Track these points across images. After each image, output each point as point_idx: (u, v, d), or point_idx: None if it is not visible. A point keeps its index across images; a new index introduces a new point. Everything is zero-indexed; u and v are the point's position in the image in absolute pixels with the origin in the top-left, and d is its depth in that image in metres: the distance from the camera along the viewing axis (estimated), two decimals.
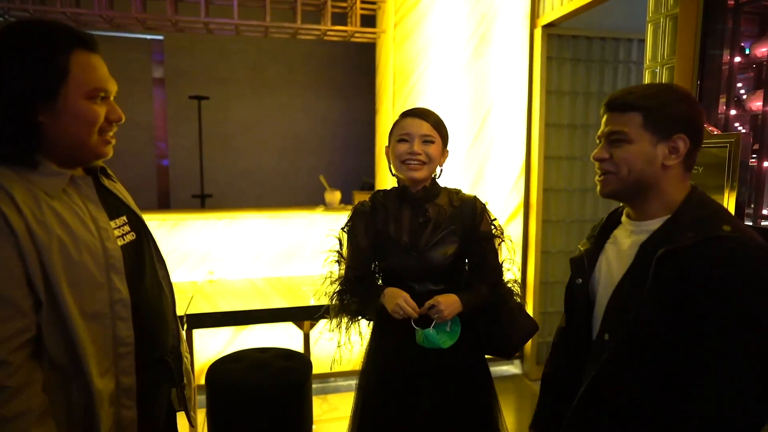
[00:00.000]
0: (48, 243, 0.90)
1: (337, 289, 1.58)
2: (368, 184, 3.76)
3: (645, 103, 1.03)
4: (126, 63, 4.24)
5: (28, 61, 0.92)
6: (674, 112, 1.02)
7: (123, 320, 1.00)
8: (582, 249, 1.20)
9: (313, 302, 2.56)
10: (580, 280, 1.16)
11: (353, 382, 3.19)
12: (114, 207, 1.07)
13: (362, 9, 3.18)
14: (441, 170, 1.55)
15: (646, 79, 2.21)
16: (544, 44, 3.08)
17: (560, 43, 3.14)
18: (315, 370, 3.11)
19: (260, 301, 2.55)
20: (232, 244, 3.06)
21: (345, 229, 1.61)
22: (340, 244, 1.63)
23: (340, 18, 3.37)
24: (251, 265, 3.09)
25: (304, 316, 2.53)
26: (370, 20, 3.38)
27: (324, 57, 4.70)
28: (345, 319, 1.57)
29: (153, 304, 1.09)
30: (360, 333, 1.60)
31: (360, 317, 1.59)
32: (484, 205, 1.56)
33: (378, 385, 1.55)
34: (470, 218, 1.51)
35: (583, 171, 3.23)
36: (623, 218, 1.13)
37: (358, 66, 4.61)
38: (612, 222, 1.18)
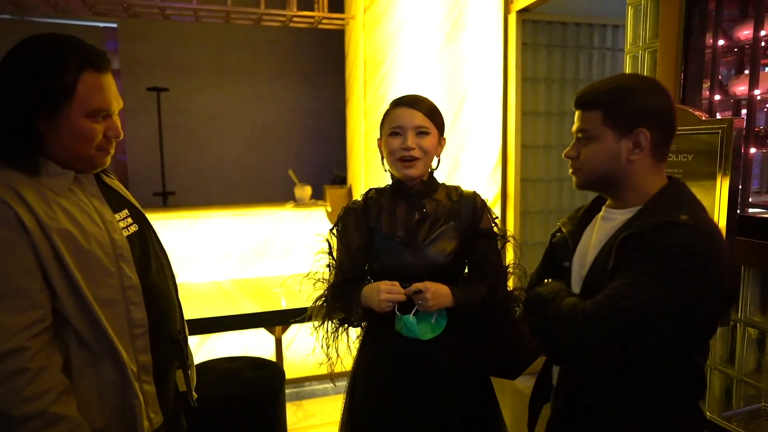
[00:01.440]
0: (59, 237, 0.97)
1: (321, 295, 1.46)
2: (340, 177, 3.62)
3: (603, 98, 1.04)
4: None
5: (37, 78, 0.98)
6: (631, 106, 1.03)
7: (135, 304, 1.08)
8: (565, 231, 1.21)
9: (284, 305, 2.42)
10: (568, 263, 1.17)
11: (329, 386, 3.08)
12: (116, 201, 1.15)
13: None
14: (438, 161, 1.44)
15: (627, 65, 2.13)
16: (518, 30, 2.98)
17: (535, 29, 3.05)
18: (289, 375, 2.98)
19: (228, 306, 2.40)
20: (197, 244, 2.88)
21: (334, 231, 1.48)
22: (330, 248, 1.49)
23: (307, 4, 3.20)
24: (218, 267, 2.92)
25: (275, 321, 2.38)
26: (338, 5, 3.22)
27: (290, 44, 4.50)
28: (331, 327, 1.46)
29: (161, 288, 1.17)
30: (348, 339, 1.49)
31: (347, 325, 1.47)
32: (484, 201, 1.46)
33: (370, 390, 1.44)
34: (470, 214, 1.42)
35: (560, 160, 3.16)
36: (603, 207, 1.15)
37: (327, 53, 4.44)
38: (596, 207, 1.19)
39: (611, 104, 1.03)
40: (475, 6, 2.97)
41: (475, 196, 1.45)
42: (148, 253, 1.17)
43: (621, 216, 1.08)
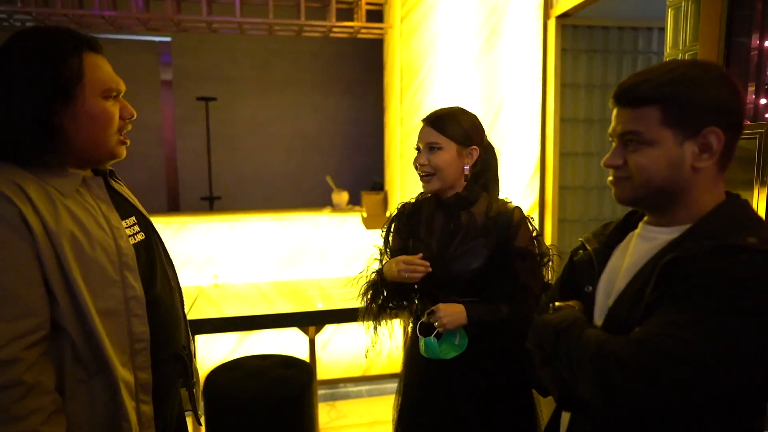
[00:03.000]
0: (63, 240, 0.92)
1: (365, 289, 1.52)
2: (378, 183, 3.66)
3: (663, 93, 0.82)
4: (133, 65, 4.21)
5: (43, 64, 0.94)
6: (702, 99, 0.82)
7: (138, 317, 1.01)
8: (590, 248, 1.01)
9: (320, 306, 2.48)
10: (591, 288, 0.97)
11: (363, 388, 3.12)
12: (123, 208, 1.10)
13: (368, 4, 3.09)
14: (466, 171, 1.41)
15: None
16: (558, 35, 2.94)
17: (575, 34, 3.00)
18: (322, 376, 3.04)
19: (265, 306, 2.48)
20: (237, 246, 2.99)
21: (383, 231, 1.56)
22: (384, 243, 1.56)
23: (346, 14, 3.28)
24: (256, 269, 3.02)
25: (308, 321, 2.45)
26: (376, 15, 3.29)
27: (332, 55, 4.61)
28: (372, 319, 1.52)
29: (166, 302, 1.11)
30: (391, 334, 1.53)
31: (385, 316, 1.51)
32: (524, 217, 1.41)
33: (413, 394, 1.49)
34: (503, 231, 1.37)
35: (601, 168, 3.08)
36: (641, 224, 0.95)
37: (367, 63, 4.52)
38: (630, 224, 1.00)
39: (673, 98, 0.82)
40: (513, 13, 2.96)
41: (513, 211, 1.40)
42: (154, 263, 1.11)
43: (664, 235, 0.88)
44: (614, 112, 0.90)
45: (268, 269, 3.03)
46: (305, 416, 2.08)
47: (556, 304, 0.98)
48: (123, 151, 1.05)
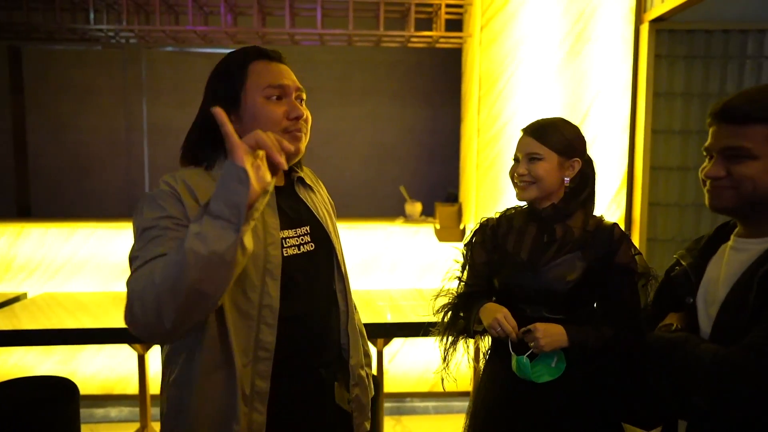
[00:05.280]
0: None
1: (446, 304, 1.47)
2: (452, 195, 3.59)
3: None
4: None
5: (221, 77, 1.08)
6: None
7: (268, 326, 1.01)
8: (685, 264, 1.11)
9: (389, 318, 2.45)
10: (691, 299, 1.06)
11: (430, 404, 3.05)
12: (298, 216, 1.11)
13: (447, 13, 3.06)
14: (566, 183, 1.37)
15: None
16: (651, 41, 2.74)
17: (672, 39, 2.78)
18: (390, 389, 3.00)
19: None
20: None
21: (465, 244, 1.52)
22: (465, 260, 1.52)
23: (425, 24, 3.26)
24: None
25: (377, 333, 2.41)
26: (455, 24, 3.24)
27: (410, 65, 4.61)
28: (451, 337, 1.46)
29: (317, 316, 1.10)
30: (467, 352, 1.48)
31: (467, 335, 1.45)
32: (624, 234, 1.36)
33: (488, 419, 1.41)
34: (605, 246, 1.33)
35: (698, 183, 2.81)
36: (732, 236, 1.04)
37: (444, 73, 4.48)
38: (720, 237, 1.08)
39: None
40: (601, 18, 2.80)
41: (613, 227, 1.36)
42: (313, 278, 1.10)
43: (757, 246, 0.97)
44: (714, 127, 0.98)
45: None
46: (371, 431, 2.05)
47: (667, 323, 1.08)
48: (297, 147, 1.04)
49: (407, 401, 3.03)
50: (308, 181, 1.20)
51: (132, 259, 0.93)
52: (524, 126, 1.41)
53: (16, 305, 2.60)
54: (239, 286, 0.98)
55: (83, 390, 2.24)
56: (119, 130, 4.07)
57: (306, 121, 1.09)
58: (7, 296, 2.70)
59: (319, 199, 1.21)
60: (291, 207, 1.11)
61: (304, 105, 1.12)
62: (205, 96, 1.10)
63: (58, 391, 2.02)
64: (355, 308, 1.27)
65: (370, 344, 2.58)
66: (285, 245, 1.06)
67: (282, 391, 1.04)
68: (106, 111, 3.92)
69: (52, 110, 3.93)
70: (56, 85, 3.89)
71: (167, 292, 0.82)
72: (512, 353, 1.32)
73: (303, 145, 1.08)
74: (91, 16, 2.92)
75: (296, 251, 1.07)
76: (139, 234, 0.96)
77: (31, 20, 2.94)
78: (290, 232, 1.07)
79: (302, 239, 1.09)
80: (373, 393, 1.29)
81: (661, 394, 1.05)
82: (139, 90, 3.88)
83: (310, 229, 1.11)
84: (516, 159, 1.40)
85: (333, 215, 1.27)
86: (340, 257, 1.18)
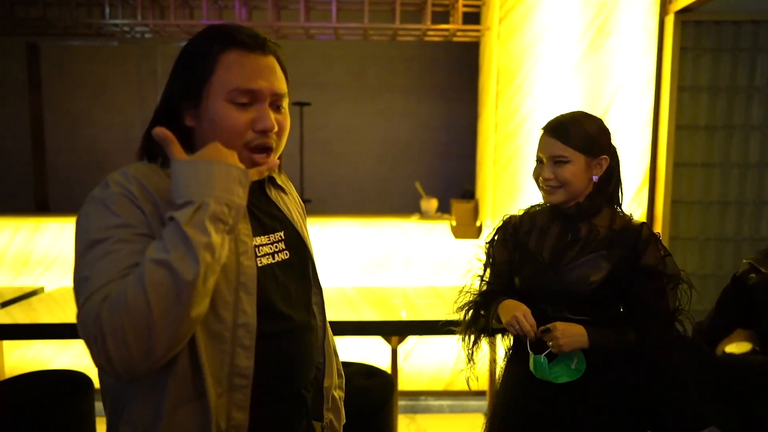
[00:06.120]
0: None
1: (468, 302, 1.44)
2: (469, 191, 3.54)
3: None
4: None
5: (183, 65, 0.88)
6: None
7: (245, 348, 0.86)
8: (765, 270, 1.08)
9: (404, 316, 2.42)
10: None
11: (444, 403, 3.01)
12: (271, 221, 0.96)
13: (465, 6, 3.00)
14: (594, 183, 1.31)
15: None
16: (677, 33, 2.66)
17: (698, 31, 2.69)
18: (404, 387, 2.96)
19: (350, 311, 2.46)
20: (324, 249, 3.01)
21: (486, 242, 1.49)
22: (487, 258, 1.48)
23: (442, 17, 3.20)
24: (342, 272, 3.02)
25: (392, 331, 2.39)
26: (473, 17, 3.18)
27: (426, 59, 4.57)
28: (473, 335, 1.44)
29: (296, 333, 0.96)
30: (491, 350, 1.46)
31: (488, 333, 1.42)
32: (653, 234, 1.30)
33: (507, 417, 1.38)
34: (631, 246, 1.27)
35: (724, 180, 2.73)
36: None
37: (461, 67, 4.42)
38: None
39: None
40: (624, 10, 2.72)
41: (641, 227, 1.30)
42: (290, 290, 0.96)
43: None
44: None
45: (354, 274, 3.03)
46: (387, 428, 2.03)
47: (738, 342, 1.07)
48: (253, 173, 0.84)
49: (421, 400, 2.99)
50: (279, 182, 1.05)
51: (81, 281, 0.76)
52: (544, 124, 1.35)
53: (34, 299, 2.62)
54: (209, 304, 0.79)
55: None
56: (134, 125, 4.09)
57: (279, 134, 0.89)
58: (24, 290, 2.72)
59: (291, 201, 1.06)
60: (262, 210, 0.96)
61: (283, 112, 0.91)
62: (168, 83, 0.90)
63: (74, 385, 2.03)
64: (328, 324, 1.13)
65: (383, 341, 2.57)
66: (258, 254, 0.91)
67: (262, 421, 0.90)
68: (122, 106, 3.94)
69: (68, 106, 3.96)
70: (73, 81, 3.92)
71: (161, 318, 0.69)
72: (530, 352, 1.29)
73: (272, 159, 0.89)
74: (107, 10, 2.92)
75: (270, 260, 0.93)
76: (86, 248, 0.78)
77: (47, 15, 2.95)
78: (263, 239, 0.93)
79: (276, 246, 0.95)
80: (344, 420, 1.16)
81: (736, 419, 0.99)
82: (154, 85, 3.89)
83: (284, 234, 0.97)
84: (539, 160, 1.34)
85: (305, 219, 1.11)
86: (314, 266, 1.05)
